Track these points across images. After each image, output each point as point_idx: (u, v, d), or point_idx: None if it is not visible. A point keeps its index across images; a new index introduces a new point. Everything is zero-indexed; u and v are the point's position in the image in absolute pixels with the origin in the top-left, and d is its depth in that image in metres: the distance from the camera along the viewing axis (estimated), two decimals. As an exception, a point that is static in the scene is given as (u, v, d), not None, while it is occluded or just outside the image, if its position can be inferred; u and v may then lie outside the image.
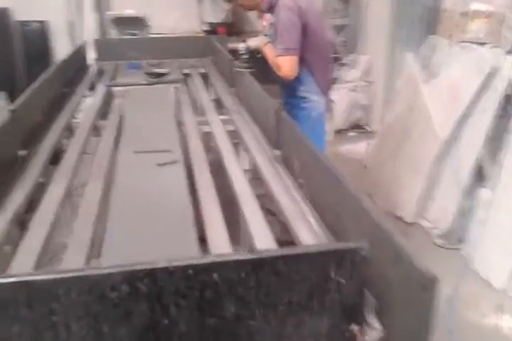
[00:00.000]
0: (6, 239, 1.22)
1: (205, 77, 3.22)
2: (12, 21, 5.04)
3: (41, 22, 5.14)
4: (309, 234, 1.23)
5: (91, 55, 3.63)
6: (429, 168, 3.20)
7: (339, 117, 5.32)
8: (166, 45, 3.59)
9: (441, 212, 3.20)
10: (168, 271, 0.81)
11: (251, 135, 2.02)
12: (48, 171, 1.77)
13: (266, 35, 2.81)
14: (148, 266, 0.81)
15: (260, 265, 0.82)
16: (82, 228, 1.24)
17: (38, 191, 1.52)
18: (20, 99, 1.91)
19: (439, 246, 3.11)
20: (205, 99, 2.58)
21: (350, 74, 5.46)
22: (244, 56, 2.74)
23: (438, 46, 3.48)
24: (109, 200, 1.34)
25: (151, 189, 1.42)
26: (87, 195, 1.41)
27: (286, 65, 2.48)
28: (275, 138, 1.83)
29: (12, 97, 4.38)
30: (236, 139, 2.15)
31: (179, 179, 1.48)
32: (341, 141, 5.11)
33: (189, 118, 2.23)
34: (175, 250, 1.08)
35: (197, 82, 2.98)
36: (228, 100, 2.55)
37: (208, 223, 1.29)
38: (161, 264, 0.81)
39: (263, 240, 1.22)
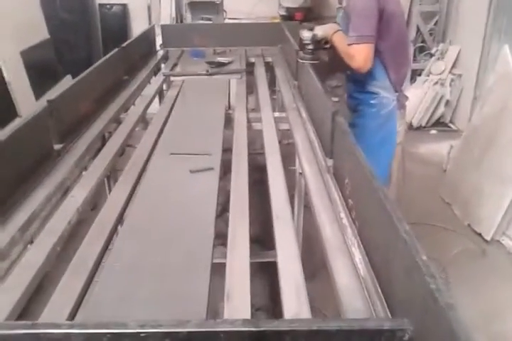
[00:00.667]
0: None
1: (270, 68, 3.01)
2: (92, 4, 5.12)
3: (121, 5, 5.19)
4: (349, 278, 1.00)
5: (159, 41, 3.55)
6: (518, 180, 2.78)
7: (421, 113, 4.89)
8: (233, 32, 3.40)
9: (529, 231, 2.78)
10: (139, 338, 0.63)
11: (304, 138, 1.80)
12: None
13: (335, 22, 2.49)
14: (115, 329, 0.64)
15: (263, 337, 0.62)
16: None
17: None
18: (64, 90, 1.82)
19: (522, 270, 2.71)
20: (264, 93, 2.37)
21: (437, 66, 4.98)
22: (309, 46, 2.36)
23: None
24: (126, 215, 1.18)
25: (176, 203, 1.25)
26: (107, 206, 1.26)
27: (360, 55, 2.13)
28: (329, 145, 1.59)
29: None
30: (288, 139, 1.95)
31: (210, 192, 1.30)
32: (421, 139, 4.68)
33: (241, 115, 2.04)
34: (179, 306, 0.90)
35: (260, 73, 2.78)
36: (288, 95, 2.33)
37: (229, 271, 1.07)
38: (131, 328, 0.64)
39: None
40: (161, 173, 1.42)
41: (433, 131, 4.95)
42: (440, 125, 5.04)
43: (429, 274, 0.73)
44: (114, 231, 1.14)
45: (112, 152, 1.69)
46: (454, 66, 4.91)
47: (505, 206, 2.82)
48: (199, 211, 1.20)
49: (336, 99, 4.08)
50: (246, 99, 2.28)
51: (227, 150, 1.68)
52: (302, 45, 2.42)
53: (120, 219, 1.19)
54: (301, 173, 1.98)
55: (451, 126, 5.02)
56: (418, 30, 5.05)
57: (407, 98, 2.48)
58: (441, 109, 4.94)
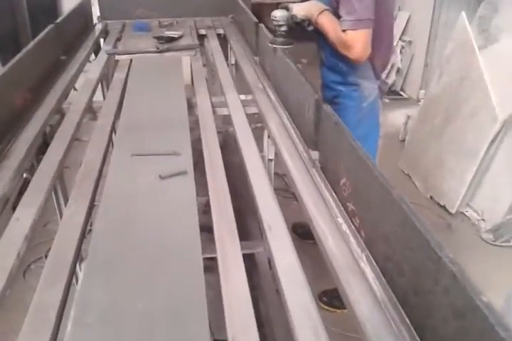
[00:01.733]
0: None
1: (224, 41, 2.77)
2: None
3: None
4: (369, 306, 0.86)
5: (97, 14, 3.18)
6: (481, 151, 2.75)
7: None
8: (179, 1, 3.09)
9: (492, 202, 2.79)
10: None
11: (279, 125, 1.62)
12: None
13: None
14: None
15: None
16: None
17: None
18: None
19: (487, 242, 2.73)
20: (224, 72, 2.15)
21: (387, 33, 4.88)
22: (282, 28, 1.94)
23: (500, 5, 2.92)
24: (87, 247, 0.97)
25: (148, 222, 1.04)
26: (60, 237, 1.04)
27: (358, 42, 1.82)
28: (312, 135, 1.42)
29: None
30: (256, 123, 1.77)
31: (187, 202, 1.10)
32: (374, 108, 4.62)
33: (204, 100, 1.82)
34: None
35: (214, 47, 2.53)
36: (251, 73, 2.12)
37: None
38: None
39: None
40: (124, 182, 1.20)
41: (385, 100, 4.89)
42: (392, 93, 4.99)
43: (497, 322, 0.59)
44: (73, 270, 0.93)
45: (58, 154, 1.44)
46: (403, 33, 4.83)
47: (469, 179, 2.81)
48: (179, 230, 1.00)
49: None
50: (205, 80, 2.05)
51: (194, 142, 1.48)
52: (273, 26, 2.00)
53: (79, 253, 0.98)
54: (270, 160, 1.83)
55: (402, 94, 5.00)
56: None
57: (386, 84, 2.26)
58: (393, 77, 4.89)
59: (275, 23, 1.95)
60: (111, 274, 0.87)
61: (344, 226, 1.11)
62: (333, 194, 1.21)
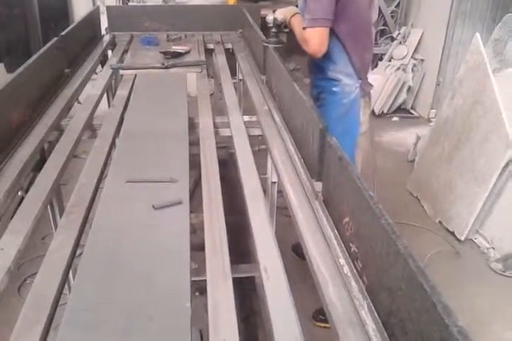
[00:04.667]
0: None
1: (230, 55, 2.73)
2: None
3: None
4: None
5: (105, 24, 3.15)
6: (492, 177, 2.67)
7: (383, 99, 4.74)
8: (189, 15, 3.06)
9: (503, 230, 2.70)
10: None
11: (282, 151, 1.56)
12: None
13: (296, 5, 2.28)
14: None
15: None
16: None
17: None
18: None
19: (496, 272, 2.63)
20: (230, 92, 2.09)
21: (399, 51, 4.82)
22: (272, 30, 2.22)
23: (517, 27, 2.85)
24: (71, 288, 0.90)
25: (132, 257, 0.98)
26: (43, 275, 0.97)
27: (313, 39, 2.01)
28: (316, 165, 1.35)
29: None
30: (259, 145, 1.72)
31: (180, 236, 1.04)
32: (383, 126, 4.55)
33: (206, 120, 1.77)
34: None
35: (222, 65, 2.48)
36: (257, 93, 2.07)
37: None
38: None
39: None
40: (115, 212, 1.14)
41: (395, 118, 4.84)
42: (402, 111, 4.93)
43: None
44: (53, 313, 0.87)
45: (53, 173, 1.39)
46: (416, 51, 4.77)
47: (479, 206, 2.72)
48: (167, 275, 0.94)
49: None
50: (209, 99, 2.00)
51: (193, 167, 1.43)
52: (268, 29, 2.26)
53: (60, 295, 0.92)
54: (274, 182, 1.78)
55: (413, 112, 4.93)
56: (380, 12, 4.85)
57: (371, 86, 2.33)
58: (404, 96, 4.82)
59: (268, 25, 2.24)
60: (92, 322, 0.81)
61: (346, 269, 1.04)
62: (336, 232, 1.14)
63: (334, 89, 2.19)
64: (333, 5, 1.97)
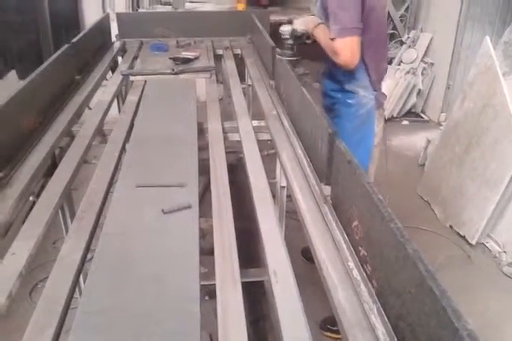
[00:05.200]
0: None
1: (241, 61, 2.74)
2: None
3: (71, -11, 4.72)
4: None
5: (115, 31, 3.19)
6: (504, 181, 2.65)
7: (392, 103, 4.73)
8: (198, 22, 3.08)
9: (515, 234, 2.68)
10: None
11: (291, 156, 1.56)
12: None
13: (313, 14, 2.20)
14: None
15: None
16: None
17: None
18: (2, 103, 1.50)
19: (508, 276, 2.60)
20: (239, 97, 2.10)
21: (409, 54, 4.81)
22: (288, 41, 2.11)
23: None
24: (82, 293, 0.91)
25: (141, 261, 0.99)
26: (53, 280, 0.99)
27: (345, 50, 1.90)
28: (325, 169, 1.36)
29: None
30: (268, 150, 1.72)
31: (190, 240, 1.05)
32: (393, 130, 4.53)
33: (215, 125, 1.78)
34: None
35: (231, 71, 2.50)
36: (265, 98, 2.08)
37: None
38: None
39: None
40: (125, 216, 1.15)
41: (405, 122, 4.82)
42: (411, 115, 4.91)
43: None
44: (64, 316, 0.88)
45: (64, 178, 1.41)
46: (425, 54, 4.76)
47: (491, 210, 2.70)
48: (177, 279, 0.94)
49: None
50: (218, 104, 2.01)
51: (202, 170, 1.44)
52: (281, 40, 2.15)
53: (71, 298, 0.93)
54: (283, 187, 1.78)
55: (423, 116, 4.90)
56: (389, 16, 4.85)
57: (385, 97, 2.27)
58: (413, 99, 4.80)
59: (283, 37, 2.11)
60: (103, 326, 0.82)
61: (355, 272, 1.04)
62: (345, 235, 1.14)
63: (349, 101, 2.12)
64: (360, 13, 1.89)
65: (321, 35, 2.02)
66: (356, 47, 1.91)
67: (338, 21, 1.89)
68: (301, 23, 2.09)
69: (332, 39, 1.92)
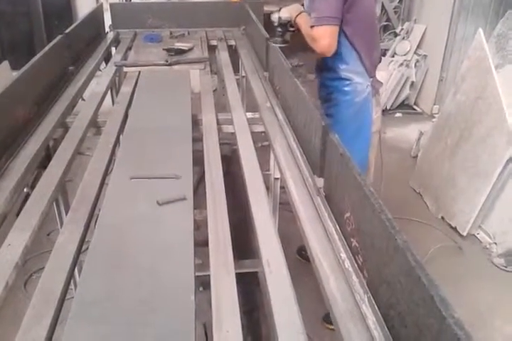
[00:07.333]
0: None
1: (235, 52, 2.74)
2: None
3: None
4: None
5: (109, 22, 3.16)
6: (495, 173, 2.68)
7: (386, 95, 4.74)
8: (192, 12, 3.07)
9: (505, 225, 2.71)
10: None
11: (285, 148, 1.57)
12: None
13: (302, 4, 2.23)
14: None
15: None
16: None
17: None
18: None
19: (499, 267, 2.64)
20: (233, 89, 2.11)
21: (402, 46, 4.82)
22: (277, 29, 2.19)
23: (520, 23, 2.85)
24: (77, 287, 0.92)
25: (137, 252, 1.00)
26: (48, 273, 1.00)
27: (322, 38, 1.96)
28: (318, 161, 1.37)
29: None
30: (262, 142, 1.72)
31: (184, 231, 1.06)
32: (387, 122, 4.54)
33: (209, 118, 1.79)
34: None
35: (225, 63, 2.49)
36: (259, 89, 2.08)
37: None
38: None
39: None
40: (120, 208, 1.16)
41: (398, 114, 4.84)
42: (405, 107, 4.93)
43: None
44: (60, 306, 0.89)
45: (58, 171, 1.41)
46: (419, 46, 4.76)
47: (482, 201, 2.73)
48: (172, 269, 0.96)
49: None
50: (212, 96, 2.01)
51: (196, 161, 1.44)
52: (273, 28, 2.22)
53: (67, 288, 0.94)
54: (276, 178, 1.80)
55: (416, 108, 4.92)
56: (383, 7, 4.84)
57: (381, 84, 2.30)
58: (407, 91, 4.82)
59: (274, 24, 2.20)
60: (99, 316, 0.83)
61: (347, 263, 1.06)
62: (337, 227, 1.16)
63: (346, 88, 2.14)
64: (341, 3, 1.94)
65: (302, 23, 2.10)
66: (333, 36, 1.97)
67: (318, 10, 1.97)
68: (286, 11, 2.17)
69: (311, 27, 2.00)
